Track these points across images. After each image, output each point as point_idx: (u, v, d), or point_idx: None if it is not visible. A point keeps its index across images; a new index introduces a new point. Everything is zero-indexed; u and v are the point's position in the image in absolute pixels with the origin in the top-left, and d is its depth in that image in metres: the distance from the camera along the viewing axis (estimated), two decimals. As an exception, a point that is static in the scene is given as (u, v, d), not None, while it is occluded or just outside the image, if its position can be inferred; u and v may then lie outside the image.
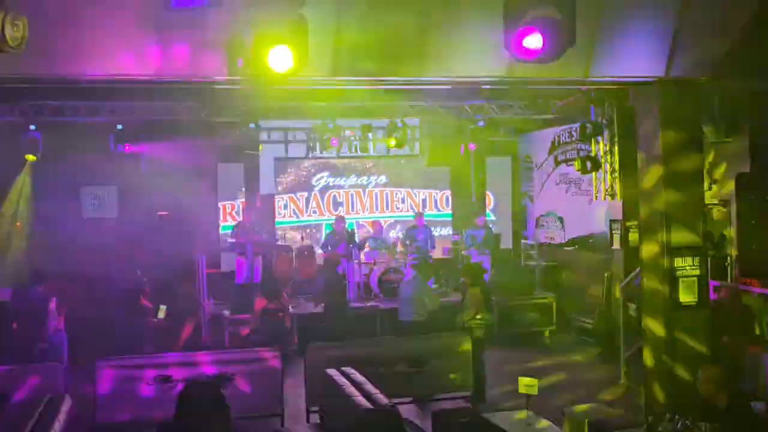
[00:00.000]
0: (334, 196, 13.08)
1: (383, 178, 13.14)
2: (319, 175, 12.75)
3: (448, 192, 13.56)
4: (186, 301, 8.74)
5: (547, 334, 11.47)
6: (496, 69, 5.76)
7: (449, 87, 7.55)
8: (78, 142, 11.17)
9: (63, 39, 4.96)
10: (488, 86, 7.53)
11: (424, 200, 13.41)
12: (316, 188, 12.93)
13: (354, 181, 13.00)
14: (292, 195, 12.79)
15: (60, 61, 5.10)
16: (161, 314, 8.28)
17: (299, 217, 12.73)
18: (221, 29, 4.91)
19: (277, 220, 13.17)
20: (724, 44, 6.20)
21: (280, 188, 13.28)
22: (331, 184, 12.91)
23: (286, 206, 12.78)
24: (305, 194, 12.81)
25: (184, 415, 3.26)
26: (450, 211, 13.71)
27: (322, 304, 10.29)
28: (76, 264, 9.06)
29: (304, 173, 13.26)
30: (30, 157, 11.00)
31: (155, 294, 8.95)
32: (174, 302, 8.24)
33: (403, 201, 13.19)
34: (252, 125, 11.86)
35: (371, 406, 5.25)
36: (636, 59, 6.12)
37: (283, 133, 13.53)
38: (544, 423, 5.95)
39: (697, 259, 6.69)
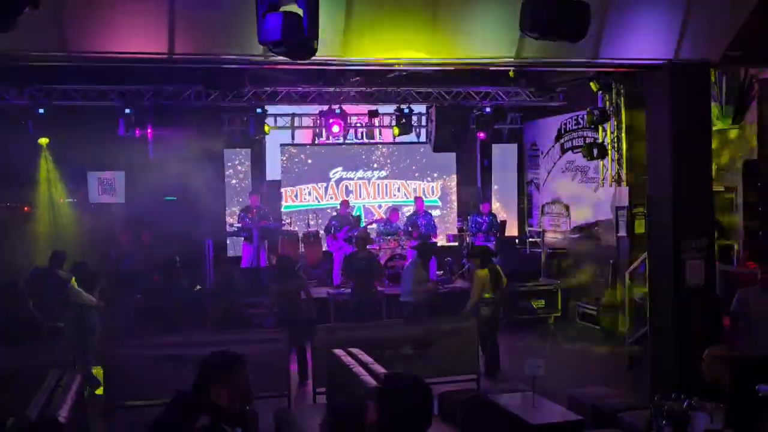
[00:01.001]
0: (347, 186, 14.08)
1: (384, 172, 14.23)
2: (334, 170, 14.00)
3: (434, 184, 14.45)
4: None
5: (552, 320, 11.51)
6: (504, 50, 5.76)
7: (457, 68, 7.50)
8: (85, 126, 11.19)
9: (75, 17, 4.97)
10: (496, 68, 7.50)
11: (415, 189, 14.29)
12: (333, 180, 14.04)
13: (361, 174, 14.18)
14: (314, 185, 13.95)
15: (71, 40, 5.11)
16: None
17: (320, 201, 14.02)
18: (232, 6, 4.92)
19: (297, 204, 13.74)
20: (734, 27, 6.19)
21: (290, 175, 13.64)
22: (344, 177, 14.11)
23: (310, 193, 13.96)
24: (324, 184, 14.00)
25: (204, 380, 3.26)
26: (436, 198, 14.42)
27: (350, 286, 10.00)
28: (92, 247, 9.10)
29: (316, 163, 13.89)
30: (43, 141, 11.02)
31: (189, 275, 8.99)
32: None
33: (398, 190, 14.36)
34: (259, 110, 11.85)
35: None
36: (645, 41, 6.10)
37: (289, 119, 13.61)
38: (548, 405, 5.99)
39: (704, 242, 6.70)
